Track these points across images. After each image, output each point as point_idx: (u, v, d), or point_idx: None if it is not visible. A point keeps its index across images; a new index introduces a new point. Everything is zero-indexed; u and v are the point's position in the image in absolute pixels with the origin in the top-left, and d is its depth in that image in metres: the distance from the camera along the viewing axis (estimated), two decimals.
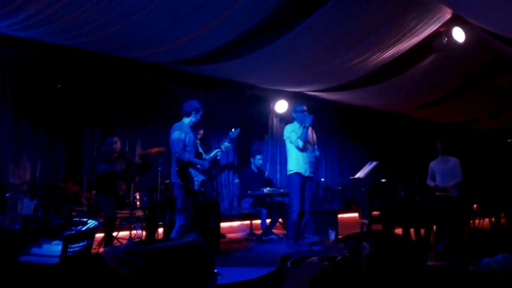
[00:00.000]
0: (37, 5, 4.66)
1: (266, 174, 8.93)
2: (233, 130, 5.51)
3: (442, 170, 6.88)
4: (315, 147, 6.17)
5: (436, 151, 7.01)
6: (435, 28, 6.82)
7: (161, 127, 7.60)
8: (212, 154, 5.28)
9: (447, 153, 6.90)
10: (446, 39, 6.92)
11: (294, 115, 6.26)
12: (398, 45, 6.87)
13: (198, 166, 5.08)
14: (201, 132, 6.16)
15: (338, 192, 8.84)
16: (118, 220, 5.70)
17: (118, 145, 5.94)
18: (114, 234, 5.61)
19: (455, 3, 6.18)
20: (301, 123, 6.08)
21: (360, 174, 6.99)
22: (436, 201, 6.62)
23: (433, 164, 7.08)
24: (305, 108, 6.23)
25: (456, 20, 6.72)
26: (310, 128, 6.07)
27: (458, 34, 6.85)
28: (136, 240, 5.75)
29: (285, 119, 8.49)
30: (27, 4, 4.61)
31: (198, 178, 5.06)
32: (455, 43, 6.93)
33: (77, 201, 6.09)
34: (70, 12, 4.85)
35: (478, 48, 7.54)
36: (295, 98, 8.68)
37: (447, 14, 6.57)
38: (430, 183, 6.96)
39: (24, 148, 6.39)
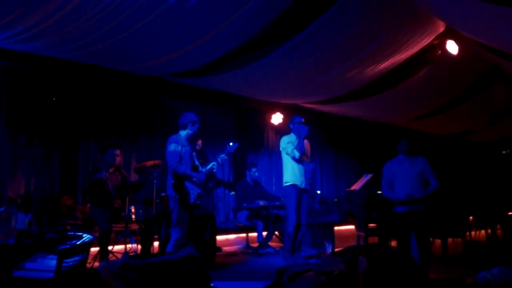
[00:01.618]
0: (32, 20, 4.68)
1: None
2: (231, 144, 5.35)
3: (407, 174, 5.25)
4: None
5: (398, 150, 5.46)
6: (429, 41, 6.87)
7: (157, 139, 7.60)
8: (208, 167, 5.22)
9: (412, 153, 5.37)
10: (440, 51, 6.97)
11: (291, 126, 6.22)
12: (393, 58, 6.91)
13: (195, 179, 5.04)
14: (200, 142, 6.05)
15: (334, 205, 8.79)
16: (113, 233, 5.66)
17: (119, 159, 5.92)
18: (109, 248, 5.57)
19: (448, 16, 6.24)
20: (297, 134, 6.06)
21: (356, 186, 6.99)
22: (398, 219, 5.32)
23: (390, 167, 5.39)
24: (303, 119, 6.21)
25: (449, 33, 6.78)
26: (306, 140, 6.05)
27: (452, 47, 6.90)
28: (132, 254, 5.70)
29: (281, 132, 8.48)
30: (22, 18, 4.62)
31: (194, 191, 5.01)
32: (449, 55, 6.98)
33: (72, 215, 6.05)
34: (65, 26, 4.87)
35: (472, 60, 7.60)
36: (291, 111, 8.67)
37: (441, 27, 6.63)
38: (390, 194, 5.37)
39: (19, 161, 6.36)
